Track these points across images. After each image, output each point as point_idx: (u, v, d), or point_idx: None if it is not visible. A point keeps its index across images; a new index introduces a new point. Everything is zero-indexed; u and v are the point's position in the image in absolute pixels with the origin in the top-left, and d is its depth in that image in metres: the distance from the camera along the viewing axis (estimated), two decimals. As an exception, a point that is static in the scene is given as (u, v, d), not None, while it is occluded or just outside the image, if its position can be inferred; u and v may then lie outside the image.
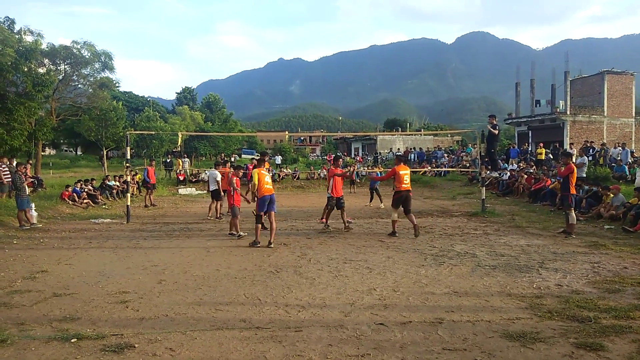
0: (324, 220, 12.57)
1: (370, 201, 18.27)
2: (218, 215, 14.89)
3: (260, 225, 10.28)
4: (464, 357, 4.27)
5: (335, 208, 12.42)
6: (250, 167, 21.53)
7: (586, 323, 5.01)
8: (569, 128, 32.11)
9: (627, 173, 19.07)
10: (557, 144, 29.70)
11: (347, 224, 12.18)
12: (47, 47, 30.00)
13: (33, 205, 13.94)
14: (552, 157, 25.78)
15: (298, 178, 30.50)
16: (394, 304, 5.86)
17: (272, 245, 9.83)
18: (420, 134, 49.78)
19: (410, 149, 40.02)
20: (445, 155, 35.67)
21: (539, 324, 5.04)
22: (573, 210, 11.08)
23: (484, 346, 4.50)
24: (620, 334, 4.70)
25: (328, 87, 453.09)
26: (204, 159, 66.40)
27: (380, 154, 42.97)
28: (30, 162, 26.56)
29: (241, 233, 11.03)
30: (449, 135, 53.20)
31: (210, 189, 15.43)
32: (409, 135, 52.34)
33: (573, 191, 11.15)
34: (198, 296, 6.30)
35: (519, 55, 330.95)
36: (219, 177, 15.15)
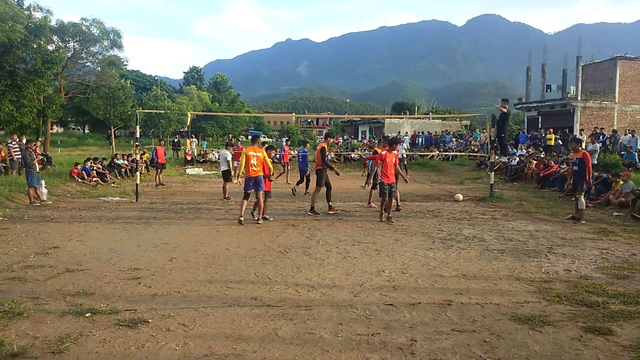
0: (383, 212, 10.94)
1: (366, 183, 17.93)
2: (226, 196, 14.91)
3: (245, 201, 10.64)
4: (473, 338, 4.32)
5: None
6: (287, 148, 21.34)
7: (595, 308, 5.04)
8: (579, 114, 31.82)
9: (637, 160, 18.94)
10: (567, 130, 29.50)
11: (394, 211, 11.28)
12: (56, 24, 29.93)
13: (43, 182, 14.07)
14: (561, 143, 25.59)
15: (305, 160, 30.42)
16: (402, 286, 5.91)
17: (260, 222, 10.40)
18: (429, 118, 49.50)
19: (418, 132, 39.83)
20: (454, 139, 35.49)
21: (548, 308, 5.08)
22: (583, 196, 11.03)
23: (492, 328, 4.54)
24: (629, 319, 4.73)
25: (336, 68, 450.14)
26: (211, 139, 66.41)
27: (387, 137, 42.78)
28: (40, 139, 26.71)
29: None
30: (458, 119, 52.85)
31: (221, 169, 15.51)
32: (417, 118, 52.03)
33: (587, 177, 11.07)
34: (209, 274, 6.38)
35: (531, 39, 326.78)
36: (229, 157, 15.25)
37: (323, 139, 13.79)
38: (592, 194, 14.08)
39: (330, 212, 11.86)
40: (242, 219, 10.37)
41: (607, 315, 4.83)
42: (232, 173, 15.12)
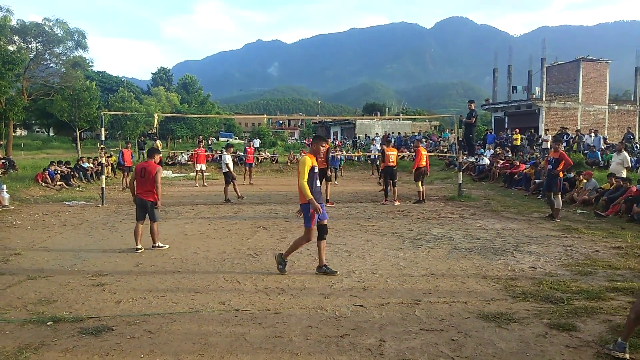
0: None
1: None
2: (240, 195, 15.09)
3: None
4: (441, 337, 4.35)
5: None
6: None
7: (559, 304, 5.15)
8: (544, 114, 32.62)
9: (600, 159, 19.49)
10: (533, 130, 30.17)
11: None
12: (17, 24, 29.09)
13: (4, 187, 13.60)
14: (527, 142, 26.18)
15: (277, 162, 30.40)
16: (372, 286, 5.92)
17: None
18: (399, 119, 49.96)
19: (389, 133, 40.17)
20: (424, 140, 35.88)
21: (514, 305, 5.16)
22: (560, 195, 11.25)
23: (460, 327, 4.59)
24: (592, 314, 4.85)
25: (307, 70, 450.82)
26: (180, 141, 65.48)
27: (358, 138, 43.04)
28: (1, 142, 25.88)
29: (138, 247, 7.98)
30: (427, 120, 53.53)
31: (223, 171, 15.70)
32: (388, 119, 52.49)
33: (561, 175, 11.32)
34: (176, 279, 6.26)
35: (497, 42, 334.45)
36: (227, 160, 15.36)
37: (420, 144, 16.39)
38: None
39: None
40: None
41: (571, 311, 4.93)
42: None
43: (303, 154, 6.74)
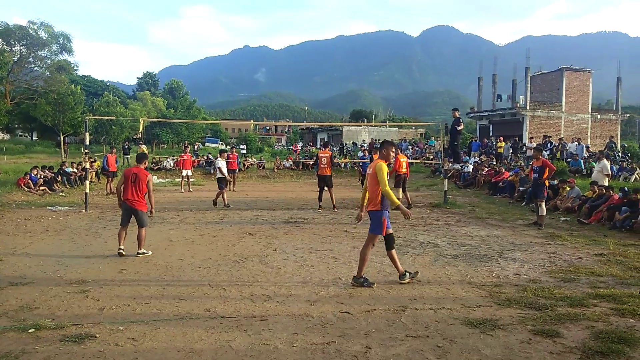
0: None
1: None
2: (215, 201, 14.84)
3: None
4: (427, 343, 4.37)
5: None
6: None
7: (543, 311, 5.20)
8: (528, 123, 33.04)
9: (583, 167, 19.77)
10: (517, 138, 30.52)
11: None
12: (0, 27, 28.73)
13: (-14, 191, 13.39)
14: (511, 150, 26.47)
15: (263, 168, 30.33)
16: (358, 293, 5.93)
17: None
18: (386, 126, 50.21)
19: (376, 140, 40.34)
20: (410, 147, 36.12)
21: (498, 312, 5.20)
22: (544, 203, 11.38)
23: (445, 333, 4.61)
24: (575, 321, 4.90)
25: (294, 76, 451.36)
26: (166, 146, 65.13)
27: (345, 144, 43.15)
28: (-17, 146, 25.41)
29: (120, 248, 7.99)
30: (414, 127, 53.88)
31: (217, 177, 15.56)
32: (375, 126, 52.72)
33: (547, 183, 11.46)
34: (161, 286, 6.20)
35: (482, 50, 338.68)
36: (219, 164, 15.29)
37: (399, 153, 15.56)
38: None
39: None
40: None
41: (554, 317, 4.98)
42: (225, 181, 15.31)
43: (378, 161, 6.21)
